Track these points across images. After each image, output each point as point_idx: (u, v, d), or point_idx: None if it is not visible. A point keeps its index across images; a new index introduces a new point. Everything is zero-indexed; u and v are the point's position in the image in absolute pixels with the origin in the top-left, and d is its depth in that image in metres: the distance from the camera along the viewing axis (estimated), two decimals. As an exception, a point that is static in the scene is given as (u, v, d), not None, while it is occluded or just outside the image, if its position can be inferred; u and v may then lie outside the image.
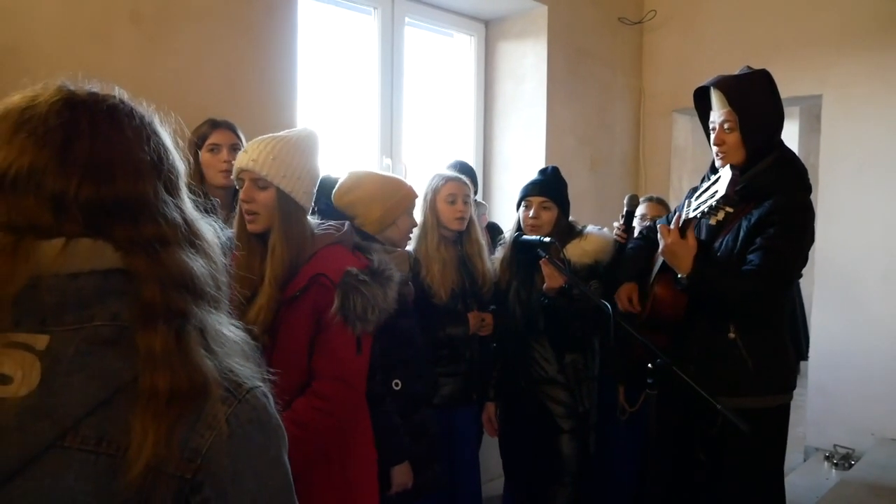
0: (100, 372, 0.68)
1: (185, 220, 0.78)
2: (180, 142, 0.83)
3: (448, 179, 2.47)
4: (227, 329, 0.79)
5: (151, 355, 0.69)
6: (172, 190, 0.79)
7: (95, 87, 0.77)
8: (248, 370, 0.77)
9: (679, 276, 2.06)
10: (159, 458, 0.66)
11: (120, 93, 0.79)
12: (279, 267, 1.69)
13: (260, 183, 1.70)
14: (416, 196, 2.20)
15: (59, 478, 0.66)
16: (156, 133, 0.78)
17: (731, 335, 2.07)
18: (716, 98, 2.13)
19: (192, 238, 0.78)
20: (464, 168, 2.96)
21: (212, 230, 0.83)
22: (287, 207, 1.71)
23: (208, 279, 0.77)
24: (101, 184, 0.71)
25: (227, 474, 0.70)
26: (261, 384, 0.77)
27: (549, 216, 2.50)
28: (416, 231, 2.43)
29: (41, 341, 0.67)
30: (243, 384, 0.74)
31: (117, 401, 0.68)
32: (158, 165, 0.77)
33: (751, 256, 2.01)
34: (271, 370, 0.83)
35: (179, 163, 0.81)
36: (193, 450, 0.69)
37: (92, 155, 0.72)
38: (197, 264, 0.76)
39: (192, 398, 0.69)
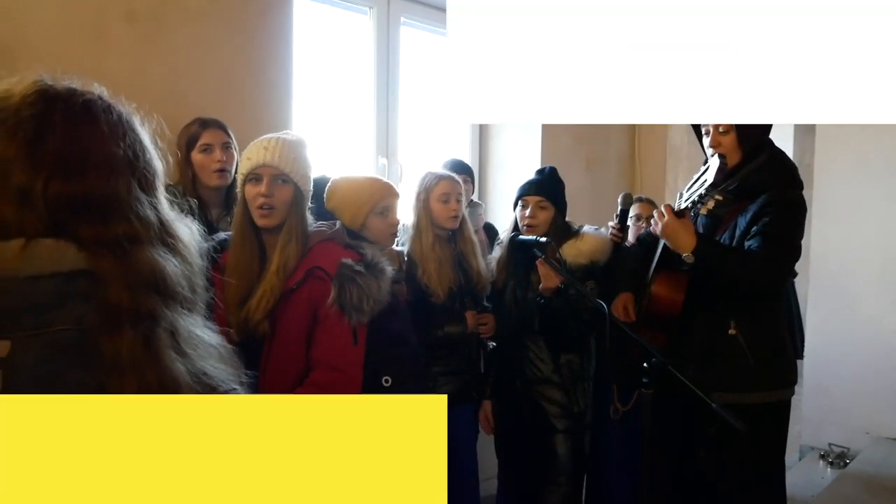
0: (60, 381, 0.63)
1: (160, 220, 0.75)
2: (160, 142, 0.80)
3: (441, 178, 2.45)
4: (202, 331, 0.74)
5: (117, 361, 0.65)
6: (147, 188, 0.75)
7: (75, 82, 0.74)
8: (224, 373, 0.73)
9: (683, 255, 2.00)
10: None
11: (100, 90, 0.76)
12: (292, 259, 1.75)
13: (282, 179, 1.76)
14: (390, 195, 2.15)
15: None
16: (133, 130, 0.75)
17: (732, 331, 2.07)
18: None
19: (165, 237, 0.75)
20: (461, 166, 2.94)
21: (189, 232, 0.79)
22: (301, 203, 1.81)
23: (181, 279, 0.73)
24: (72, 179, 0.69)
25: None
26: (237, 387, 0.73)
27: (546, 216, 2.50)
28: (409, 231, 2.43)
29: (3, 348, 0.63)
30: (218, 388, 0.70)
31: None
32: (134, 162, 0.74)
33: (749, 242, 2.01)
34: (248, 372, 0.79)
35: (157, 162, 0.78)
36: None
37: (63, 149, 0.69)
38: (169, 264, 0.72)
39: None
